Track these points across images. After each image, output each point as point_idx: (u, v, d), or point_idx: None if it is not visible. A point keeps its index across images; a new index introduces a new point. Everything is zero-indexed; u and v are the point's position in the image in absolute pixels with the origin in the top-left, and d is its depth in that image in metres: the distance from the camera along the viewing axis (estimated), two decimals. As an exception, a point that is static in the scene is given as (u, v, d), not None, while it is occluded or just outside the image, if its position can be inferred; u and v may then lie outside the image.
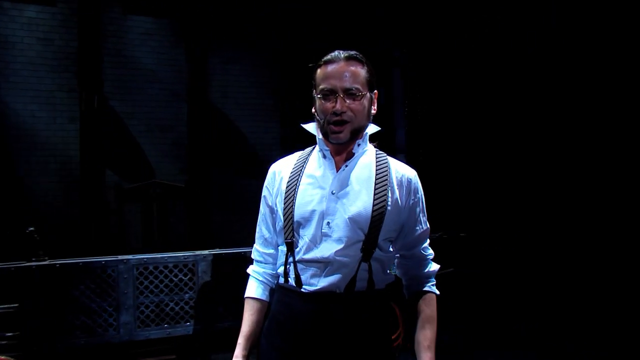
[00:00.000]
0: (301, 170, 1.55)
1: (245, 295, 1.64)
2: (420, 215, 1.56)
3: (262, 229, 1.64)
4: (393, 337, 4.07)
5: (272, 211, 1.59)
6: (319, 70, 1.51)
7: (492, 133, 5.32)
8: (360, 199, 1.47)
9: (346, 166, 1.51)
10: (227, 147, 6.52)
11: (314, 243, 1.46)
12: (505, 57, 5.20)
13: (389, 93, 6.93)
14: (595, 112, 4.26)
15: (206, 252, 3.54)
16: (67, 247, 4.90)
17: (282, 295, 1.54)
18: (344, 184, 1.49)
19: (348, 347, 1.44)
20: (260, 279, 1.63)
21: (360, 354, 1.45)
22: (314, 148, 1.61)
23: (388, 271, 1.54)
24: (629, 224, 3.92)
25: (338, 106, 1.44)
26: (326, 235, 1.45)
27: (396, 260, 1.62)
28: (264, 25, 6.63)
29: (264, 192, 1.64)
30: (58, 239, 5.11)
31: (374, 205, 1.45)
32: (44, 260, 3.22)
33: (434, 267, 1.61)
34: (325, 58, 1.51)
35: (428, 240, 1.61)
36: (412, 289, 1.61)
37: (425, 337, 1.52)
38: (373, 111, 1.55)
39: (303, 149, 1.65)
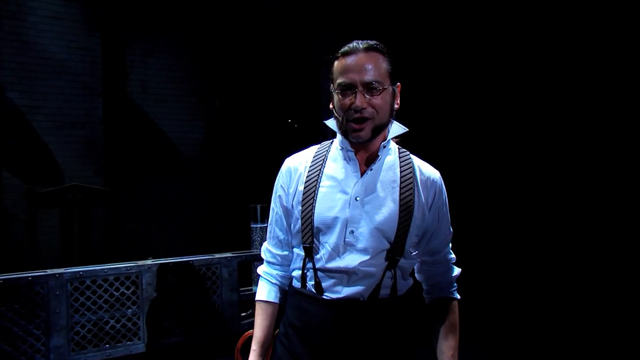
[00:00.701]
0: (320, 169, 1.45)
1: (257, 298, 1.55)
2: (445, 218, 1.52)
3: (275, 230, 1.54)
4: None
5: (288, 212, 1.49)
6: (336, 63, 1.40)
7: (461, 130, 5.19)
8: (386, 207, 1.40)
9: (371, 170, 1.43)
10: (147, 147, 6.09)
11: (337, 252, 1.39)
12: (477, 48, 5.06)
13: (319, 93, 6.95)
14: (579, 108, 4.14)
15: (150, 262, 3.26)
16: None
17: (299, 300, 1.45)
18: (368, 189, 1.41)
19: (371, 355, 1.39)
20: (273, 281, 1.55)
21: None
22: (331, 142, 1.52)
23: (409, 274, 1.51)
24: (619, 224, 3.87)
25: (358, 102, 1.34)
26: (350, 245, 1.38)
27: (417, 265, 1.57)
28: (191, 15, 6.30)
29: (278, 190, 1.52)
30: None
31: (400, 213, 1.39)
32: (-48, 279, 2.74)
33: (457, 271, 1.58)
34: (342, 49, 1.40)
35: (451, 244, 1.57)
36: (434, 295, 1.58)
37: (449, 346, 1.49)
38: (396, 106, 1.45)
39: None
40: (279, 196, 1.52)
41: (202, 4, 6.27)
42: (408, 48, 5.36)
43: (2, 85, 5.27)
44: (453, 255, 1.58)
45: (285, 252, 1.53)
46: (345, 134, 1.41)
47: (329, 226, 1.39)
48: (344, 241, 1.37)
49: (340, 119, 1.39)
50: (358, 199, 1.39)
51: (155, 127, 6.20)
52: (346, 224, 1.38)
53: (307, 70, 6.81)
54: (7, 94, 5.29)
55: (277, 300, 1.54)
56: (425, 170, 1.49)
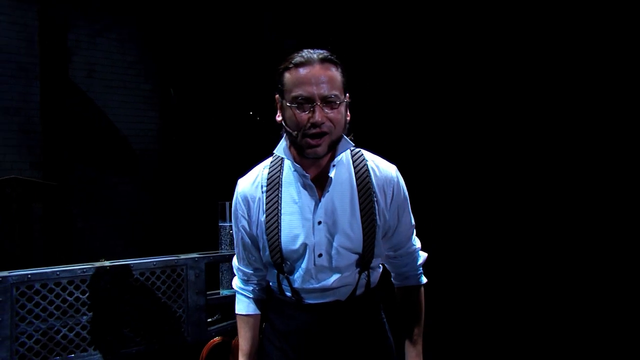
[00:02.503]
0: (278, 195, 1.51)
1: (237, 312, 1.69)
2: (405, 213, 1.61)
3: (242, 252, 1.64)
4: None
5: (254, 237, 1.58)
6: (287, 74, 1.41)
7: (417, 131, 5.23)
8: (348, 224, 1.49)
9: (327, 192, 1.49)
10: (93, 137, 5.76)
11: (310, 275, 1.50)
12: (430, 46, 5.12)
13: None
14: (585, 112, 4.13)
15: (108, 263, 3.05)
16: None
17: (280, 304, 1.59)
18: (328, 210, 1.49)
19: (351, 348, 1.54)
20: (250, 295, 1.68)
21: (363, 352, 1.57)
22: (281, 161, 1.56)
23: (379, 271, 1.67)
24: (615, 221, 3.92)
25: (317, 117, 1.36)
26: (321, 267, 1.49)
27: (388, 260, 1.71)
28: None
29: (240, 220, 1.58)
30: None
31: (363, 225, 1.49)
32: None
33: (422, 258, 1.70)
34: (295, 60, 1.40)
35: (414, 235, 1.69)
36: (401, 283, 1.71)
37: (412, 330, 1.65)
38: (348, 118, 1.50)
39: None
40: (242, 225, 1.58)
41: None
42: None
43: None
44: (417, 245, 1.69)
45: (257, 269, 1.65)
46: (298, 149, 1.43)
47: (297, 252, 1.49)
48: (314, 264, 1.48)
49: (294, 134, 1.40)
50: (320, 222, 1.47)
51: (102, 115, 5.89)
52: (313, 248, 1.47)
53: (271, 56, 6.67)
54: None
55: (257, 312, 1.68)
56: (381, 170, 1.56)
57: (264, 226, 1.51)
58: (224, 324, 3.49)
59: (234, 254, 1.73)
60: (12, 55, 5.30)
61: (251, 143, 6.67)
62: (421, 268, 1.70)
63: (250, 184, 1.56)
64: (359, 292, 1.55)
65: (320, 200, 1.48)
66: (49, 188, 4.57)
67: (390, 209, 1.55)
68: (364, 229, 1.49)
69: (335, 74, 1.41)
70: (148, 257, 3.23)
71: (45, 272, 2.80)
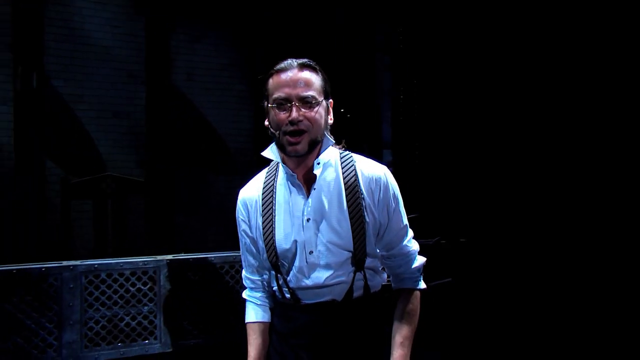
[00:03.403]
0: (272, 197, 1.63)
1: (246, 321, 1.76)
2: (395, 213, 1.65)
3: (247, 258, 1.75)
4: None
5: (255, 241, 1.69)
6: (270, 80, 1.57)
7: (493, 129, 5.21)
8: (336, 221, 1.57)
9: (314, 189, 1.59)
10: (192, 137, 6.22)
11: (303, 274, 1.58)
12: (509, 46, 5.10)
13: (372, 82, 6.78)
14: (602, 113, 4.23)
15: (170, 257, 3.26)
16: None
17: (282, 309, 1.69)
18: (316, 208, 1.58)
19: (348, 350, 1.60)
20: (258, 303, 1.76)
21: (359, 356, 1.61)
22: (277, 165, 1.69)
23: (380, 269, 1.71)
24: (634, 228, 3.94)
25: (294, 114, 1.50)
26: (313, 264, 1.58)
27: (384, 262, 1.74)
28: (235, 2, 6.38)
29: (241, 224, 1.71)
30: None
31: (351, 224, 1.57)
32: (-33, 266, 2.88)
33: (419, 262, 1.71)
34: (276, 67, 1.57)
35: (409, 236, 1.70)
36: (396, 285, 1.72)
37: (400, 333, 1.63)
38: (330, 121, 1.63)
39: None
40: (243, 230, 1.71)
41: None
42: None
43: (47, 74, 5.59)
44: (413, 247, 1.70)
45: (261, 277, 1.75)
46: (282, 149, 1.56)
47: (290, 251, 1.59)
48: (306, 262, 1.57)
49: (276, 134, 1.54)
50: (309, 220, 1.57)
51: (201, 116, 6.33)
52: (304, 245, 1.57)
53: (362, 55, 6.67)
54: (52, 81, 5.61)
55: (265, 320, 1.75)
56: (368, 171, 1.62)
57: (261, 229, 1.63)
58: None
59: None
60: (122, 63, 5.92)
61: (340, 138, 6.71)
62: (418, 272, 1.71)
63: (249, 190, 1.71)
64: (356, 293, 1.62)
65: (307, 198, 1.59)
66: (140, 184, 5.03)
67: (379, 206, 1.61)
68: (352, 225, 1.57)
69: (313, 77, 1.56)
70: (207, 253, 3.40)
71: (110, 263, 3.08)
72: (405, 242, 1.67)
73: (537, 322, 4.27)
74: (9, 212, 5.19)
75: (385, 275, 1.74)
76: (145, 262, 3.17)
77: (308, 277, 1.58)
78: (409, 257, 1.68)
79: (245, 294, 1.80)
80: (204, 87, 6.32)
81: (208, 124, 6.33)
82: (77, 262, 3.04)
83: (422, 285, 1.71)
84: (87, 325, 3.02)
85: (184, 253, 3.40)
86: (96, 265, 3.05)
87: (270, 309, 1.76)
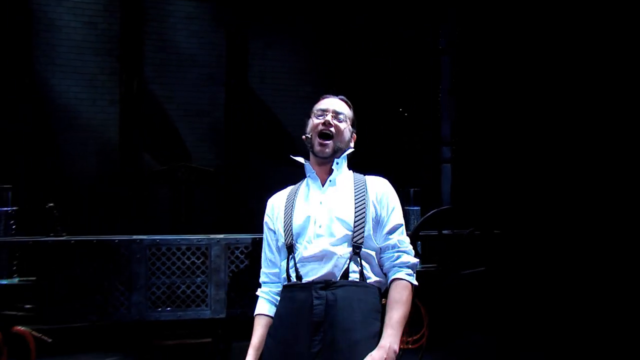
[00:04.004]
0: (294, 197, 1.88)
1: (256, 313, 1.90)
2: (392, 211, 1.82)
3: (266, 253, 1.93)
4: (416, 337, 3.82)
5: (274, 233, 1.88)
6: (316, 104, 1.92)
7: (541, 129, 4.94)
8: (344, 204, 1.78)
9: (329, 181, 1.85)
10: (263, 133, 6.47)
11: (310, 242, 1.74)
12: (562, 50, 4.78)
13: (436, 83, 6.62)
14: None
15: (221, 236, 3.46)
16: (101, 225, 5.06)
17: (285, 292, 1.78)
18: (329, 195, 1.82)
19: (340, 326, 1.63)
20: (268, 297, 1.89)
21: (349, 333, 1.63)
22: (302, 182, 1.94)
23: (379, 269, 1.80)
24: None
25: (328, 118, 1.82)
26: (319, 234, 1.74)
27: (379, 258, 1.82)
28: (305, 10, 6.52)
29: (266, 219, 1.93)
30: (94, 217, 5.29)
31: (355, 208, 1.77)
32: (62, 236, 3.27)
33: (412, 259, 1.79)
34: (323, 96, 1.95)
35: (404, 235, 1.83)
36: (389, 278, 1.79)
37: (390, 317, 1.67)
38: (351, 144, 1.93)
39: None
40: (266, 223, 1.92)
41: (316, 3, 6.44)
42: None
43: (146, 79, 6.09)
44: (408, 246, 1.81)
45: (276, 270, 1.90)
46: (312, 149, 1.84)
47: (303, 226, 1.77)
48: (315, 232, 1.74)
49: (310, 136, 1.84)
50: (322, 202, 1.80)
51: (272, 114, 6.56)
52: (315, 220, 1.76)
53: (424, 57, 6.54)
54: (149, 85, 6.11)
55: (271, 314, 1.87)
56: (374, 182, 1.88)
57: (282, 214, 1.84)
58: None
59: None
60: (204, 68, 6.30)
61: (400, 136, 6.65)
62: (408, 267, 1.78)
63: (277, 195, 1.96)
64: (351, 277, 1.71)
65: (323, 186, 1.84)
66: (210, 174, 5.35)
67: (380, 205, 1.81)
68: (355, 213, 1.76)
69: (346, 107, 1.92)
70: (252, 234, 3.55)
71: (169, 239, 3.35)
72: (401, 238, 1.81)
73: (565, 308, 4.15)
74: (112, 194, 5.77)
75: (384, 281, 1.81)
76: (199, 240, 3.39)
77: (314, 245, 1.72)
78: (402, 250, 1.79)
79: (258, 292, 1.93)
80: (275, 88, 6.55)
81: (278, 121, 6.55)
82: (144, 237, 3.33)
83: (414, 280, 1.77)
84: (150, 289, 3.31)
85: (234, 234, 3.58)
86: (158, 240, 3.32)
87: (276, 306, 1.88)
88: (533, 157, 4.95)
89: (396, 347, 1.62)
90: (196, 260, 3.38)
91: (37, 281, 3.20)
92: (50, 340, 3.32)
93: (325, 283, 1.68)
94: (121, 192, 5.69)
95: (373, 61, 6.56)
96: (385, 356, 1.59)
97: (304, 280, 1.71)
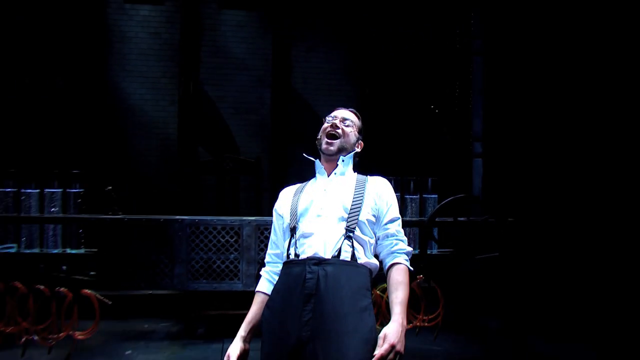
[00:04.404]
0: (303, 188, 1.98)
1: (256, 290, 1.94)
2: (390, 206, 1.89)
3: (272, 236, 2.00)
4: (432, 317, 3.86)
5: (281, 218, 1.93)
6: (329, 114, 2.05)
7: (569, 127, 4.76)
8: (344, 192, 1.86)
9: (334, 174, 1.93)
10: (305, 129, 6.64)
11: (310, 222, 1.80)
12: (591, 49, 4.58)
13: (467, 81, 6.51)
14: None
15: (252, 218, 3.67)
16: (159, 207, 5.44)
17: (284, 268, 1.82)
18: (332, 184, 1.90)
19: (328, 299, 1.66)
20: (268, 277, 1.93)
21: (336, 306, 1.66)
22: (312, 178, 2.04)
23: (370, 254, 1.84)
24: None
25: (335, 121, 1.94)
26: (319, 215, 1.80)
27: (376, 247, 1.89)
28: (343, 16, 6.64)
29: (276, 206, 2.00)
30: (154, 201, 5.71)
31: (354, 197, 1.84)
32: (118, 215, 3.61)
33: (407, 247, 1.85)
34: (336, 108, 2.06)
35: (400, 227, 1.89)
36: (387, 263, 1.83)
37: (397, 296, 1.72)
38: (358, 148, 2.02)
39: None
40: (276, 209, 1.99)
41: (354, 8, 6.53)
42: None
43: (201, 81, 6.46)
44: (402, 236, 1.88)
45: (278, 251, 1.95)
46: (320, 148, 1.94)
47: (307, 208, 1.84)
48: (316, 215, 1.81)
49: (319, 137, 1.95)
50: (325, 190, 1.87)
51: (314, 112, 6.73)
52: (317, 204, 1.83)
53: (457, 59, 6.45)
54: (204, 86, 6.47)
55: (269, 292, 1.89)
56: (374, 180, 1.96)
57: (290, 200, 1.91)
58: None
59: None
60: (252, 71, 6.57)
61: (433, 132, 6.60)
62: (406, 255, 1.84)
63: (289, 188, 2.03)
64: (343, 256, 1.74)
65: (328, 177, 1.93)
66: (251, 164, 5.59)
67: (381, 198, 1.88)
68: (354, 197, 1.84)
69: (353, 116, 2.02)
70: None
71: (206, 219, 3.60)
72: (397, 229, 1.87)
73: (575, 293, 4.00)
74: (171, 181, 6.18)
75: (376, 265, 1.84)
76: (233, 221, 3.62)
77: (313, 224, 1.79)
78: (398, 239, 1.86)
79: (262, 271, 1.98)
80: (316, 88, 6.71)
81: (319, 118, 6.67)
82: (185, 217, 3.60)
83: (409, 266, 1.83)
84: (190, 263, 3.58)
85: (265, 216, 3.78)
86: (197, 220, 3.59)
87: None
88: (557, 152, 4.79)
89: (405, 322, 1.70)
90: (230, 239, 3.62)
91: (98, 252, 3.57)
92: (110, 302, 3.66)
93: (318, 260, 1.73)
94: (178, 180, 6.08)
95: (407, 61, 6.56)
96: (399, 329, 1.65)
97: (300, 258, 1.77)
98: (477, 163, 6.22)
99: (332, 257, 1.73)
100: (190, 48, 6.36)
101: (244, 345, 1.82)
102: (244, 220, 3.64)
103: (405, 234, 3.29)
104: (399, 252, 1.83)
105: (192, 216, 3.64)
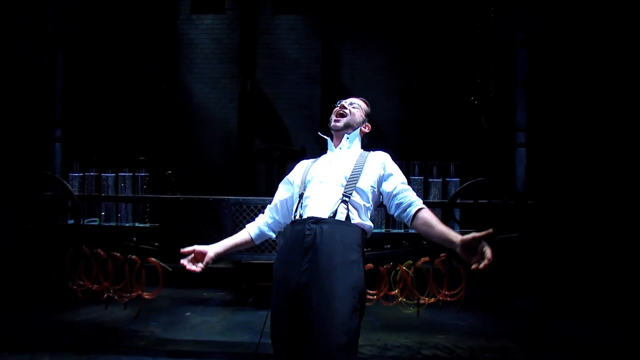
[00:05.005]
0: (315, 161, 2.21)
1: (246, 226, 2.25)
2: (395, 170, 2.08)
3: (275, 197, 2.25)
4: (455, 292, 4.09)
5: (290, 185, 2.20)
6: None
7: (610, 120, 4.61)
8: (345, 164, 2.06)
9: (340, 148, 2.16)
10: (352, 122, 6.93)
11: (314, 187, 2.02)
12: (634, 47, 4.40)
13: (511, 74, 6.42)
14: None
15: (288, 198, 4.05)
16: (219, 190, 6.04)
17: (289, 227, 2.07)
18: (337, 157, 2.12)
19: (322, 252, 1.87)
20: (256, 222, 2.25)
21: (329, 258, 1.86)
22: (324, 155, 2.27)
23: (365, 217, 2.00)
24: None
25: (343, 102, 2.22)
26: (322, 182, 2.02)
27: (392, 209, 2.05)
28: (388, 14, 6.82)
29: (288, 175, 2.24)
30: (214, 185, 6.34)
31: (353, 167, 2.03)
32: (176, 195, 4.17)
33: (419, 199, 1.99)
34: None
35: (408, 186, 2.04)
36: (410, 213, 1.96)
37: (443, 226, 1.86)
38: (366, 129, 2.26)
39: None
40: (288, 176, 2.23)
41: (397, 5, 6.68)
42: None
43: (258, 80, 6.99)
44: (412, 192, 2.03)
45: (272, 215, 2.23)
46: (330, 125, 2.20)
47: (312, 176, 2.07)
48: (319, 182, 2.03)
49: (330, 118, 2.21)
50: (331, 162, 2.10)
51: (361, 106, 6.99)
52: (321, 174, 2.05)
53: (501, 49, 6.37)
54: (260, 85, 6.99)
55: (252, 233, 2.21)
56: (375, 152, 2.14)
57: (302, 171, 2.15)
58: (373, 252, 3.98)
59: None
60: (303, 69, 6.97)
61: (470, 121, 6.59)
62: (421, 202, 1.97)
63: (305, 161, 2.25)
64: (338, 217, 1.93)
65: (334, 150, 2.18)
66: (297, 152, 5.99)
67: (385, 167, 2.06)
68: (353, 168, 2.03)
69: (362, 102, 2.28)
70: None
71: (248, 199, 4.02)
72: (405, 187, 2.02)
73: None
74: (230, 169, 6.76)
75: (370, 227, 2.00)
76: (270, 200, 4.02)
77: (317, 190, 2.00)
78: (409, 193, 2.01)
79: (257, 218, 2.27)
80: (363, 83, 6.96)
81: (366, 111, 6.94)
82: (230, 197, 4.05)
83: (424, 207, 1.97)
84: (235, 237, 4.04)
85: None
86: (240, 200, 4.02)
87: (260, 235, 2.21)
88: (596, 140, 4.65)
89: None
90: (268, 216, 4.03)
91: (160, 226, 4.13)
92: (171, 269, 4.22)
93: (316, 219, 1.92)
94: (235, 167, 6.66)
95: (449, 55, 6.59)
96: (472, 235, 1.72)
97: (302, 218, 1.97)
98: (520, 152, 6.14)
99: (329, 217, 1.92)
100: (248, 51, 6.92)
101: (210, 252, 2.06)
102: (281, 200, 4.02)
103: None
104: (416, 201, 1.96)
105: (236, 196, 4.10)
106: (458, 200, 3.78)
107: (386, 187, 2.05)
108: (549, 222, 3.76)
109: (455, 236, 1.78)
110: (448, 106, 6.50)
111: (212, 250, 2.10)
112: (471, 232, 1.77)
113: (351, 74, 6.96)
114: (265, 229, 2.24)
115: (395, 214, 2.03)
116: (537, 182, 5.46)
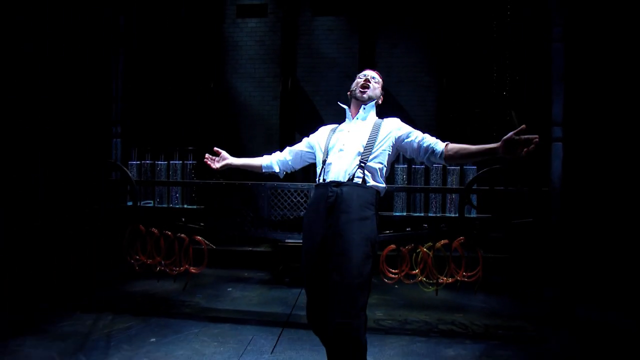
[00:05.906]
0: (335, 128, 2.58)
1: (263, 156, 2.85)
2: (408, 130, 2.43)
3: (297, 144, 2.78)
4: (473, 272, 4.35)
5: (310, 145, 2.70)
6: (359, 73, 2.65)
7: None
8: (362, 133, 2.38)
9: (357, 118, 2.51)
10: (387, 115, 7.16)
11: (335, 155, 2.36)
12: None
13: (547, 68, 6.42)
14: None
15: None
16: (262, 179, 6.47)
17: (315, 189, 2.42)
18: (355, 126, 2.45)
19: (342, 210, 2.21)
20: (272, 157, 2.84)
21: (347, 215, 2.19)
22: (343, 122, 2.63)
23: (380, 179, 2.35)
24: None
25: (368, 77, 2.56)
26: (341, 150, 2.35)
27: (420, 156, 2.38)
28: (423, 12, 6.97)
29: (311, 135, 2.70)
30: (257, 175, 6.78)
31: (369, 137, 2.35)
32: (219, 180, 4.63)
33: (437, 140, 2.33)
34: (364, 68, 2.73)
35: (429, 136, 2.39)
36: (439, 149, 2.29)
37: (477, 145, 2.18)
38: (380, 101, 2.64)
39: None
40: (311, 136, 2.69)
41: (432, 3, 6.84)
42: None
43: (298, 78, 7.39)
44: (433, 139, 2.37)
45: (287, 156, 2.81)
46: (354, 96, 2.55)
47: (333, 145, 2.42)
48: (339, 150, 2.37)
49: (353, 88, 2.58)
50: (349, 131, 2.44)
51: (396, 102, 7.21)
52: (342, 142, 2.39)
53: (538, 44, 6.38)
54: (300, 83, 7.38)
55: (264, 163, 2.83)
56: (388, 119, 2.49)
57: (324, 137, 2.53)
58: (395, 234, 4.24)
59: None
60: (341, 67, 7.27)
61: (501, 116, 6.62)
62: (440, 139, 2.33)
63: (327, 126, 2.64)
64: (355, 180, 2.27)
65: (352, 120, 2.52)
66: None
67: (401, 129, 2.43)
68: (368, 137, 2.35)
69: (377, 75, 2.61)
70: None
71: (282, 184, 4.41)
72: (425, 134, 2.39)
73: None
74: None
75: (383, 188, 2.36)
76: (302, 185, 4.39)
77: (337, 156, 2.34)
78: (431, 138, 2.36)
79: (274, 154, 2.84)
80: (398, 80, 7.16)
81: (401, 107, 7.17)
82: (267, 182, 4.46)
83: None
84: (270, 217, 4.45)
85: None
86: (275, 184, 4.43)
87: (269, 167, 2.80)
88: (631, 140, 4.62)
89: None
90: (300, 200, 4.40)
91: (206, 207, 4.62)
92: (215, 247, 4.68)
93: (337, 183, 2.26)
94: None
95: (483, 49, 6.67)
96: (510, 134, 1.97)
97: (326, 181, 2.31)
98: (556, 147, 6.15)
99: (347, 180, 2.26)
100: (289, 51, 7.35)
101: (229, 160, 2.81)
102: (312, 184, 4.38)
103: (446, 200, 3.87)
104: (439, 141, 2.30)
105: (272, 182, 4.51)
106: (474, 187, 3.98)
107: (409, 142, 2.37)
108: (581, 213, 3.87)
109: (493, 144, 2.04)
110: (477, 103, 6.61)
111: (231, 159, 2.82)
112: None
113: (387, 71, 7.19)
114: (275, 164, 2.78)
115: (425, 158, 2.33)
116: (570, 175, 5.49)
